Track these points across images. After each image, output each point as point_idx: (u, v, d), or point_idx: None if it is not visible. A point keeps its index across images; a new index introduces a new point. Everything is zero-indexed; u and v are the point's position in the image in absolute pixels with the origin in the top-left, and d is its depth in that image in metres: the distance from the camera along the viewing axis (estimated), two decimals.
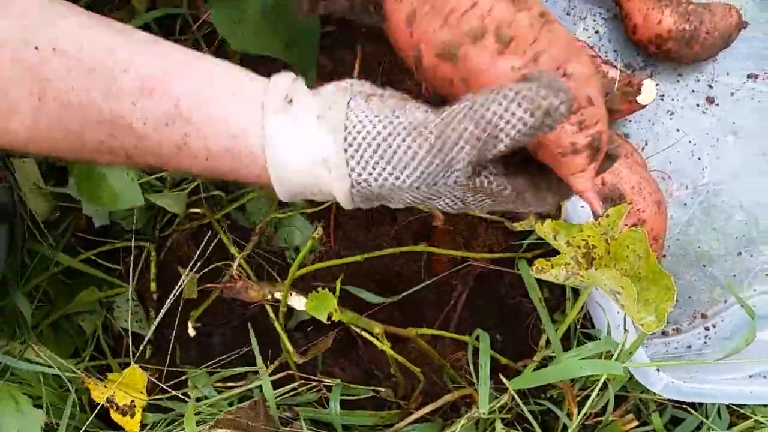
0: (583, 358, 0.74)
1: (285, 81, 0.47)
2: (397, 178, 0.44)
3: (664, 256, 0.96)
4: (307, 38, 0.79)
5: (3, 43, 0.44)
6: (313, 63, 0.82)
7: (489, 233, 0.96)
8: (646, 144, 0.98)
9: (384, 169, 0.44)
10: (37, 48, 0.45)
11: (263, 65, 0.56)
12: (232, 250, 0.82)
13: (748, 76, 1.01)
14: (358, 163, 0.44)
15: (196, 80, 0.47)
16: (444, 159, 0.43)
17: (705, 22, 0.94)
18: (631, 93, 0.91)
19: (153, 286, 0.94)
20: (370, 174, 0.44)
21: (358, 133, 0.44)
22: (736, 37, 0.99)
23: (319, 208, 0.94)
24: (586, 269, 0.71)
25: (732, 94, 1.00)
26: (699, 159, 0.98)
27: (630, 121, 0.98)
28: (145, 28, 0.69)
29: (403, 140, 0.44)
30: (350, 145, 0.44)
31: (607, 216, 0.72)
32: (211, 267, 0.86)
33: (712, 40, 0.95)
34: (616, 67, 0.93)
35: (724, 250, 0.97)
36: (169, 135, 0.46)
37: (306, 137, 0.45)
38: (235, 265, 0.75)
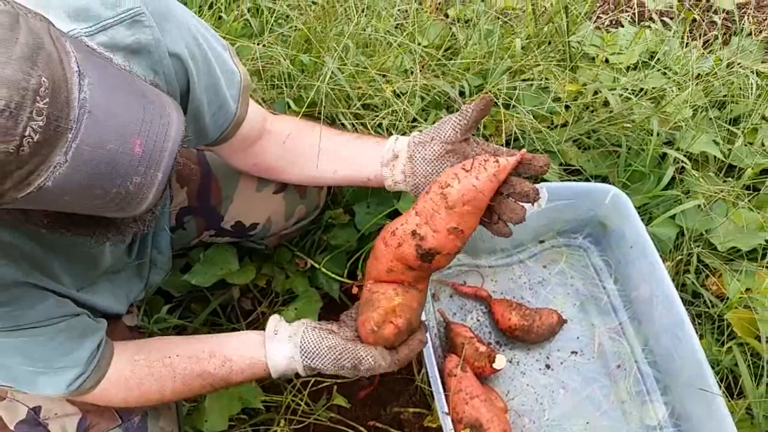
0: None
1: (274, 321, 1.15)
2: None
3: None
4: None
5: (157, 360, 1.11)
6: None
7: None
8: (508, 392, 1.58)
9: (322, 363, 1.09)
10: (169, 357, 1.11)
11: None
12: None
13: (572, 352, 1.64)
14: (309, 358, 1.08)
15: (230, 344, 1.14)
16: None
17: (536, 320, 1.60)
18: (491, 360, 1.53)
19: None
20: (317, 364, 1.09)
21: (307, 344, 1.09)
22: (561, 329, 1.64)
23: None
24: None
25: (562, 363, 1.62)
26: (541, 404, 1.57)
27: (497, 377, 1.59)
28: None
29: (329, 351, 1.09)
30: (303, 350, 1.09)
31: None
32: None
33: (542, 331, 1.60)
34: (484, 344, 1.56)
35: None
36: (221, 367, 1.11)
37: (283, 349, 1.10)
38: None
